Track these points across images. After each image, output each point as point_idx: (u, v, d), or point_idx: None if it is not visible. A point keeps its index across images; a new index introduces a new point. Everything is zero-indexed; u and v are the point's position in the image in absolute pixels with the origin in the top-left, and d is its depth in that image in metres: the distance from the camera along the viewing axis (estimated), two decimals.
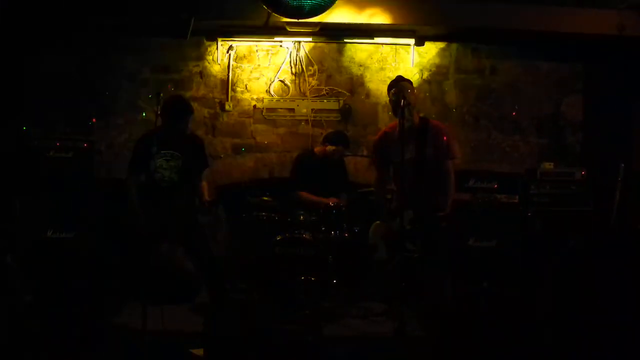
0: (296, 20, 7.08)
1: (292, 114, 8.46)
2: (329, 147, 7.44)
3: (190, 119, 6.39)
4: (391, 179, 6.52)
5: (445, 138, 6.28)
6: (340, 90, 8.51)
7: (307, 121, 8.38)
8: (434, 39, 8.46)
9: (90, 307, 6.39)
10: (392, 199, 6.56)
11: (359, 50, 8.48)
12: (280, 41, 8.29)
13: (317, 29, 7.90)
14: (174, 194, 6.27)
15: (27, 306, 6.32)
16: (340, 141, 7.54)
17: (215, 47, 8.36)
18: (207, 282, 6.50)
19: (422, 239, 5.94)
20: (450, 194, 6.23)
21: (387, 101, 8.32)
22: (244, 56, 8.43)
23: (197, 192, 6.44)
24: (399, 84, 6.23)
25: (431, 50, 8.58)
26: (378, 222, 6.48)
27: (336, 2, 6.63)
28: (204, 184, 6.54)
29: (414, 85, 8.05)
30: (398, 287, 5.78)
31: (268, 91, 8.47)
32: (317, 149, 7.64)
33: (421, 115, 6.59)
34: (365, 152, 8.36)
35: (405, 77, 6.60)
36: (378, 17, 7.72)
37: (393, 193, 6.56)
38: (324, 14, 6.80)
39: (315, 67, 8.49)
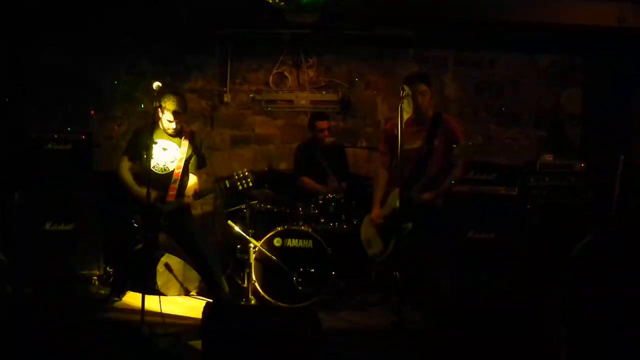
0: (295, 11, 7.07)
1: (290, 106, 8.45)
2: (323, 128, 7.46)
3: (181, 119, 6.41)
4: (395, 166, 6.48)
5: (455, 129, 6.22)
6: (339, 81, 8.49)
7: (306, 113, 8.35)
8: (433, 30, 8.43)
9: (89, 298, 6.40)
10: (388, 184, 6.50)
11: (357, 42, 8.44)
12: (279, 32, 8.23)
13: (316, 19, 7.86)
14: (167, 184, 6.28)
15: (26, 298, 6.32)
16: (326, 115, 7.67)
17: (213, 38, 8.33)
18: (201, 274, 6.53)
19: (410, 217, 5.87)
20: (451, 178, 6.16)
21: (386, 93, 8.40)
22: (243, 47, 8.40)
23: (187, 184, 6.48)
24: (410, 85, 6.13)
25: (430, 41, 8.54)
26: (368, 216, 6.47)
27: None
28: (195, 179, 6.54)
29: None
30: (396, 279, 5.77)
31: (267, 83, 8.45)
32: (317, 135, 7.56)
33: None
34: (364, 144, 8.35)
35: (418, 74, 6.58)
36: (377, 8, 7.68)
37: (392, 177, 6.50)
38: (322, 5, 6.81)
39: (314, 58, 8.47)
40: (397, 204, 5.86)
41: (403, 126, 5.70)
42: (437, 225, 6.06)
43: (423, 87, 6.11)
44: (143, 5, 7.35)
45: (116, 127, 8.27)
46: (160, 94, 6.05)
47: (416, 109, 6.04)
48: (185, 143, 6.41)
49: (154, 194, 5.94)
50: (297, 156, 7.69)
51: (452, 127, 6.17)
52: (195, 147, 6.53)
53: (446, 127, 6.13)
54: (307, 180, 7.43)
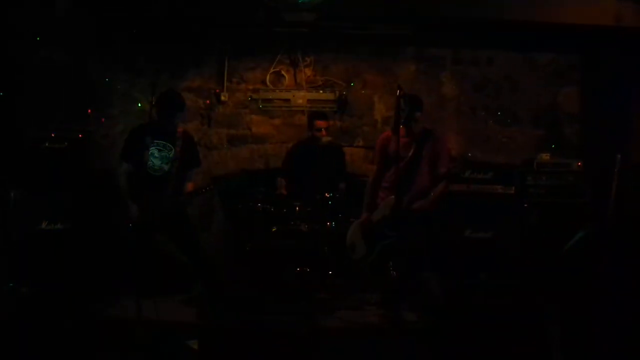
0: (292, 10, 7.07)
1: (287, 105, 8.43)
2: (321, 127, 7.42)
3: (180, 115, 6.41)
4: (387, 174, 6.50)
5: (445, 147, 6.31)
6: (336, 80, 8.48)
7: (303, 112, 8.35)
8: (431, 29, 8.42)
9: (85, 298, 6.38)
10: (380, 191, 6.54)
11: (355, 41, 8.42)
12: (277, 31, 8.20)
13: (314, 18, 7.84)
14: (163, 184, 6.27)
15: (22, 298, 6.31)
16: (325, 115, 7.64)
17: (211, 37, 8.31)
18: (198, 273, 6.51)
19: (398, 226, 5.89)
20: (436, 192, 6.20)
21: (383, 92, 8.39)
22: (240, 46, 8.38)
23: (184, 185, 6.46)
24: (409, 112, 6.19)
25: (428, 40, 8.53)
26: (356, 221, 6.51)
27: None
28: (191, 184, 6.54)
29: (411, 76, 8.11)
30: (391, 280, 5.80)
31: (264, 82, 8.44)
32: (315, 134, 7.53)
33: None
34: (361, 143, 8.34)
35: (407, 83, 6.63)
36: (375, 7, 7.67)
37: (384, 185, 6.53)
38: (320, 4, 6.79)
39: (312, 57, 8.45)
40: (389, 211, 5.92)
41: (399, 129, 5.73)
42: (423, 229, 6.10)
43: (418, 115, 6.22)
44: (141, 3, 7.33)
45: (102, 119, 8.23)
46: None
47: (408, 129, 6.13)
48: (179, 143, 6.40)
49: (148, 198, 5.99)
50: (287, 156, 7.71)
51: (440, 145, 6.25)
52: (189, 147, 6.52)
53: (435, 142, 6.21)
54: (280, 180, 7.44)
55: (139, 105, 8.22)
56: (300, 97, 8.40)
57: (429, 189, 6.12)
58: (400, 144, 5.86)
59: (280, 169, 7.73)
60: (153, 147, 6.28)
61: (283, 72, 8.46)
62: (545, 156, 7.59)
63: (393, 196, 5.98)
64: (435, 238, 6.37)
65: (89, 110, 8.22)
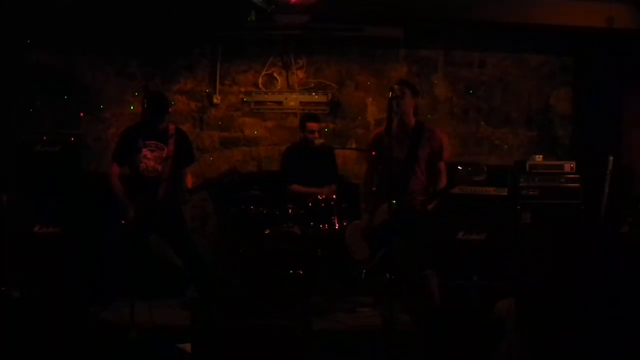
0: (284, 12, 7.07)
1: (280, 107, 8.42)
2: (313, 130, 7.38)
3: (166, 117, 6.39)
4: (380, 176, 6.50)
5: (440, 141, 6.31)
6: (328, 83, 8.48)
7: (295, 114, 8.33)
8: (423, 31, 8.43)
9: (78, 302, 6.36)
10: (375, 194, 6.53)
11: (347, 43, 8.42)
12: (269, 34, 8.19)
13: (306, 19, 7.84)
14: (158, 185, 6.25)
15: (14, 301, 6.29)
16: (317, 117, 7.60)
17: (203, 39, 8.30)
18: (192, 276, 6.48)
19: (402, 229, 5.89)
20: (439, 188, 6.23)
21: (376, 94, 8.39)
22: (232, 49, 8.37)
23: (180, 184, 6.43)
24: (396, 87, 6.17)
25: (420, 42, 8.54)
26: (355, 221, 6.51)
27: None
28: (188, 176, 6.54)
29: (403, 78, 8.08)
30: (385, 282, 5.79)
31: (256, 84, 8.42)
32: (307, 136, 7.50)
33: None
34: (354, 145, 8.34)
35: (407, 79, 6.61)
36: (367, 9, 7.67)
37: (378, 188, 6.53)
38: (312, 6, 6.79)
39: (304, 59, 8.45)
40: (388, 215, 5.92)
41: (392, 131, 5.72)
42: (427, 229, 6.10)
43: (409, 99, 6.26)
44: (133, 6, 7.31)
45: (82, 114, 8.20)
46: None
47: (400, 115, 6.12)
48: (172, 142, 6.37)
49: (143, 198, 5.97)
50: (284, 160, 7.66)
51: (437, 137, 6.26)
52: (182, 145, 6.50)
53: (430, 137, 6.21)
54: (296, 187, 7.38)
55: (132, 108, 8.20)
56: (293, 100, 8.39)
57: (429, 186, 6.14)
58: (395, 142, 5.87)
59: (284, 176, 7.62)
60: (145, 148, 6.26)
61: (275, 75, 8.45)
62: (538, 158, 7.61)
63: (392, 200, 5.97)
64: (431, 239, 6.38)
65: (81, 114, 8.19)
